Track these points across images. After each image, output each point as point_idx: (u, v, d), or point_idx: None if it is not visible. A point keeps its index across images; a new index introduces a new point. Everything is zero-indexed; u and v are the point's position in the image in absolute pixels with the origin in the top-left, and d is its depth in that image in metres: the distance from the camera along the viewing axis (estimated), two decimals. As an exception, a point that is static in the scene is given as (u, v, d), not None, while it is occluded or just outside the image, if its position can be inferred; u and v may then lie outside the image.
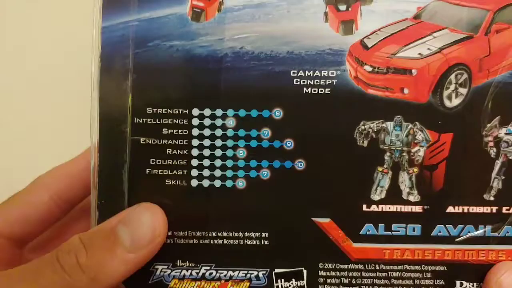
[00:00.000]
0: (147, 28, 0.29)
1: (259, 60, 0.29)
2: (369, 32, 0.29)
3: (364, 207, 0.29)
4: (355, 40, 0.29)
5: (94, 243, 0.27)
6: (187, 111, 0.29)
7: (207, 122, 0.29)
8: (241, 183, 0.29)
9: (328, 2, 0.29)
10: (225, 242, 0.29)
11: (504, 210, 0.29)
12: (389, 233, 0.29)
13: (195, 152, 0.29)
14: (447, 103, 0.29)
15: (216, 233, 0.29)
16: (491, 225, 0.29)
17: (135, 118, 0.29)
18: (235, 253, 0.29)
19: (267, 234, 0.29)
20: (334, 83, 0.29)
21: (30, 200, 0.33)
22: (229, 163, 0.29)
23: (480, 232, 0.29)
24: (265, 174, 0.29)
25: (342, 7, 0.29)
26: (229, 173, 0.29)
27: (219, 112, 0.29)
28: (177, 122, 0.29)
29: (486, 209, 0.29)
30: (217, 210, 0.29)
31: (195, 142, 0.29)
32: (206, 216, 0.29)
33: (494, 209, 0.29)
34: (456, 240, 0.29)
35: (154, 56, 0.29)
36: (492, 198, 0.29)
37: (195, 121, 0.29)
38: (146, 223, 0.28)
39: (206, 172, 0.29)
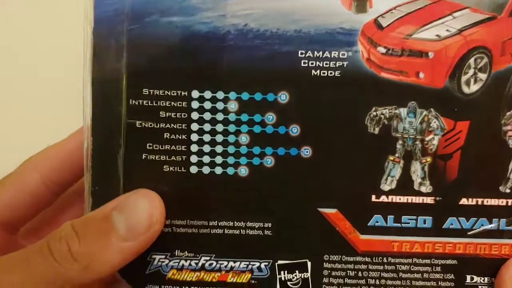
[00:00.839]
0: (143, 2, 0.26)
1: (264, 38, 0.27)
2: (384, 10, 0.27)
3: (373, 198, 0.28)
4: (368, 19, 0.27)
5: (87, 230, 0.25)
6: (186, 93, 0.27)
7: (207, 105, 0.27)
8: (243, 171, 0.27)
9: (341, -23, 0.26)
10: (226, 231, 0.28)
11: (520, 202, 0.28)
12: (399, 225, 0.28)
13: (194, 137, 0.27)
14: (465, 89, 0.27)
15: (216, 222, 0.28)
16: (506, 218, 0.28)
17: (130, 100, 0.27)
18: (236, 244, 0.28)
19: (270, 224, 0.28)
20: (345, 65, 0.27)
21: (21, 183, 0.31)
22: (231, 149, 0.27)
23: (494, 225, 0.28)
24: (269, 161, 0.27)
25: (356, -17, 0.26)
26: (230, 159, 0.27)
27: (220, 94, 0.27)
28: (175, 104, 0.27)
29: (501, 202, 0.28)
30: (217, 198, 0.28)
31: (194, 126, 0.27)
32: (206, 205, 0.28)
33: (510, 201, 0.28)
34: (469, 233, 0.28)
35: (151, 32, 0.27)
36: (508, 190, 0.28)
37: (195, 104, 0.27)
38: (142, 210, 0.26)
39: (206, 159, 0.27)
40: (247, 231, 0.28)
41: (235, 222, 0.28)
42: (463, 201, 0.28)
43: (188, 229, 0.28)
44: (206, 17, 0.27)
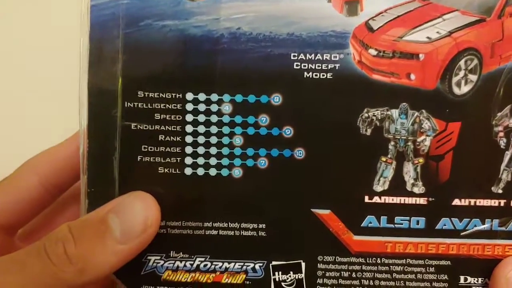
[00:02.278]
0: (138, 6, 0.27)
1: (257, 42, 0.27)
2: (374, 13, 0.27)
3: (366, 199, 0.28)
4: (359, 21, 0.27)
5: (84, 233, 0.26)
6: (180, 96, 0.27)
7: (201, 107, 0.28)
8: (237, 172, 0.28)
9: (332, -19, 0.27)
10: (221, 233, 0.28)
11: (512, 203, 0.28)
12: (392, 225, 0.28)
13: (189, 139, 0.28)
14: (456, 90, 0.27)
15: (211, 223, 0.28)
16: (499, 218, 0.28)
17: (125, 102, 0.27)
18: (231, 245, 0.28)
19: (264, 225, 0.28)
20: (337, 68, 0.27)
21: (20, 185, 0.31)
22: (225, 151, 0.28)
23: (486, 226, 0.28)
24: (263, 163, 0.28)
25: (347, -14, 0.27)
26: (224, 161, 0.28)
27: (214, 97, 0.27)
28: (170, 107, 0.27)
29: (494, 202, 0.28)
30: (212, 200, 0.28)
31: (189, 128, 0.28)
32: (200, 206, 0.28)
33: (502, 202, 0.28)
34: (462, 234, 0.28)
35: (146, 36, 0.27)
36: (500, 191, 0.28)
37: (189, 106, 0.28)
38: (137, 213, 0.26)
39: (200, 160, 0.28)
40: (241, 232, 0.28)
41: (229, 223, 0.28)
42: (456, 201, 0.28)
43: (183, 230, 0.28)
44: (200, 20, 0.27)
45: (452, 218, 0.28)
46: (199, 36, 0.27)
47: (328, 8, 0.27)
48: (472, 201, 0.28)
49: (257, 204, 0.28)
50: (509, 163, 0.28)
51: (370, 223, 0.28)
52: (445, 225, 0.28)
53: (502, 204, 0.28)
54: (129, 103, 0.27)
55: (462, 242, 0.28)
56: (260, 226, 0.28)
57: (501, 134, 0.28)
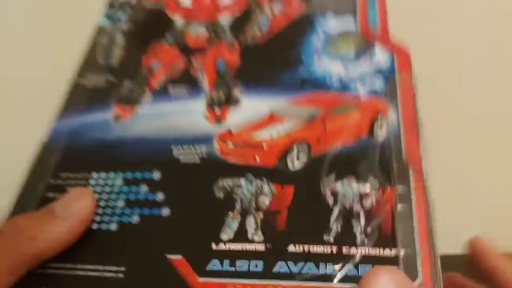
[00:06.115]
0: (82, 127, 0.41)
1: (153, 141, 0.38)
2: (234, 123, 0.38)
3: (213, 246, 0.32)
4: (224, 127, 0.38)
5: (33, 214, 0.33)
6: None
7: (100, 182, 0.37)
8: (113, 227, 0.34)
9: (208, 106, 0.40)
10: (88, 274, 0.32)
11: (344, 250, 0.31)
12: (233, 268, 0.31)
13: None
14: (291, 167, 0.35)
15: (83, 265, 0.33)
16: (332, 264, 0.30)
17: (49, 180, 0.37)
18: (94, 284, 0.32)
19: (123, 268, 0.32)
20: (204, 155, 0.37)
21: None
22: (108, 210, 0.35)
23: (321, 270, 0.30)
24: (135, 219, 0.34)
25: (217, 109, 0.39)
26: (105, 217, 0.35)
27: (111, 174, 0.37)
28: (79, 183, 0.37)
29: (326, 249, 0.31)
30: (88, 247, 0.33)
31: (88, 197, 0.36)
32: (76, 251, 0.33)
33: (334, 249, 0.31)
34: (297, 277, 0.30)
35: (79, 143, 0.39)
36: (332, 239, 0.31)
37: (92, 182, 0.37)
38: (76, 199, 0.33)
39: (90, 218, 0.35)
40: (103, 274, 0.32)
41: (96, 266, 0.33)
42: (291, 247, 0.31)
43: (59, 271, 0.33)
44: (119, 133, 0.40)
45: (288, 262, 0.31)
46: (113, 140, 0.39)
47: (204, 122, 0.39)
48: (306, 247, 0.31)
49: (122, 249, 0.33)
50: (337, 216, 0.32)
51: (214, 266, 0.31)
52: (281, 268, 0.30)
53: (334, 251, 0.31)
54: (51, 180, 0.37)
55: (297, 285, 0.30)
56: (120, 268, 0.32)
57: (329, 194, 0.33)
